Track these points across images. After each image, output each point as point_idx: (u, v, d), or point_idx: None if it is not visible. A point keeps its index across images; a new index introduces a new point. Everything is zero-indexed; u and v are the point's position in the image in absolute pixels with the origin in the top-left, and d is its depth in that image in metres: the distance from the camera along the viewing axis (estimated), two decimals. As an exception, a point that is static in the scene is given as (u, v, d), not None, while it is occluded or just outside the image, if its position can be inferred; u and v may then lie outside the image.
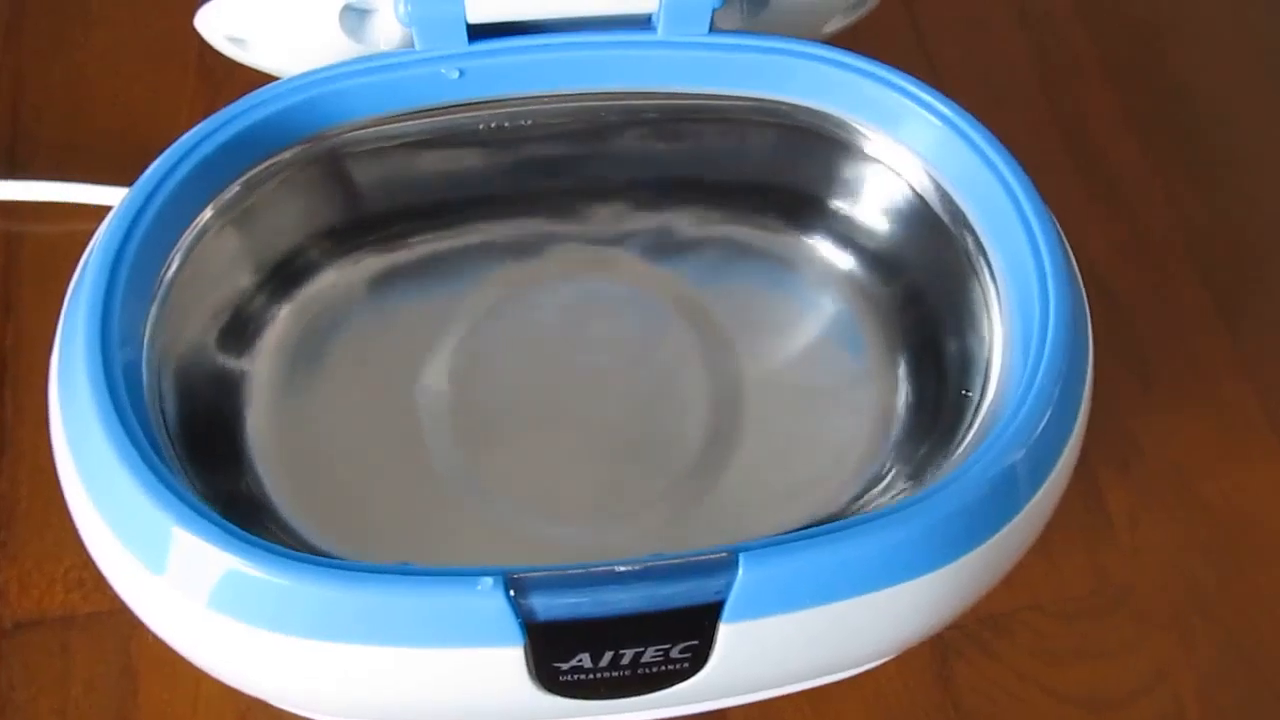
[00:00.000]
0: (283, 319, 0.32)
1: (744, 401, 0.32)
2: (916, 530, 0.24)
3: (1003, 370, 0.28)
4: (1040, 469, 0.26)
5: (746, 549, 0.23)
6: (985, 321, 0.29)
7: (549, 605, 0.23)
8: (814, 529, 0.24)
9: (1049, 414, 0.26)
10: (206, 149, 0.28)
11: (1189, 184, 0.43)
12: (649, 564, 0.23)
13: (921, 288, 0.32)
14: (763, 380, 0.32)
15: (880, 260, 0.33)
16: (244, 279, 0.31)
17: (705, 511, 0.30)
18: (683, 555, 0.23)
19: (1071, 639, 0.34)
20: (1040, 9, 0.46)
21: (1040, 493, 0.26)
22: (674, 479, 0.31)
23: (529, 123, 0.32)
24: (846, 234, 0.34)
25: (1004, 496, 0.25)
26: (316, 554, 0.27)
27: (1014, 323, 0.28)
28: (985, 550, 0.25)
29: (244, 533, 0.23)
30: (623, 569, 0.23)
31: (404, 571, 0.23)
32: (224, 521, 0.23)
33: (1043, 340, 0.27)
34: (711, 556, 0.23)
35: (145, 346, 0.27)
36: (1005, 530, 0.25)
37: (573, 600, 0.23)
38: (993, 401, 0.28)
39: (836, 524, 0.24)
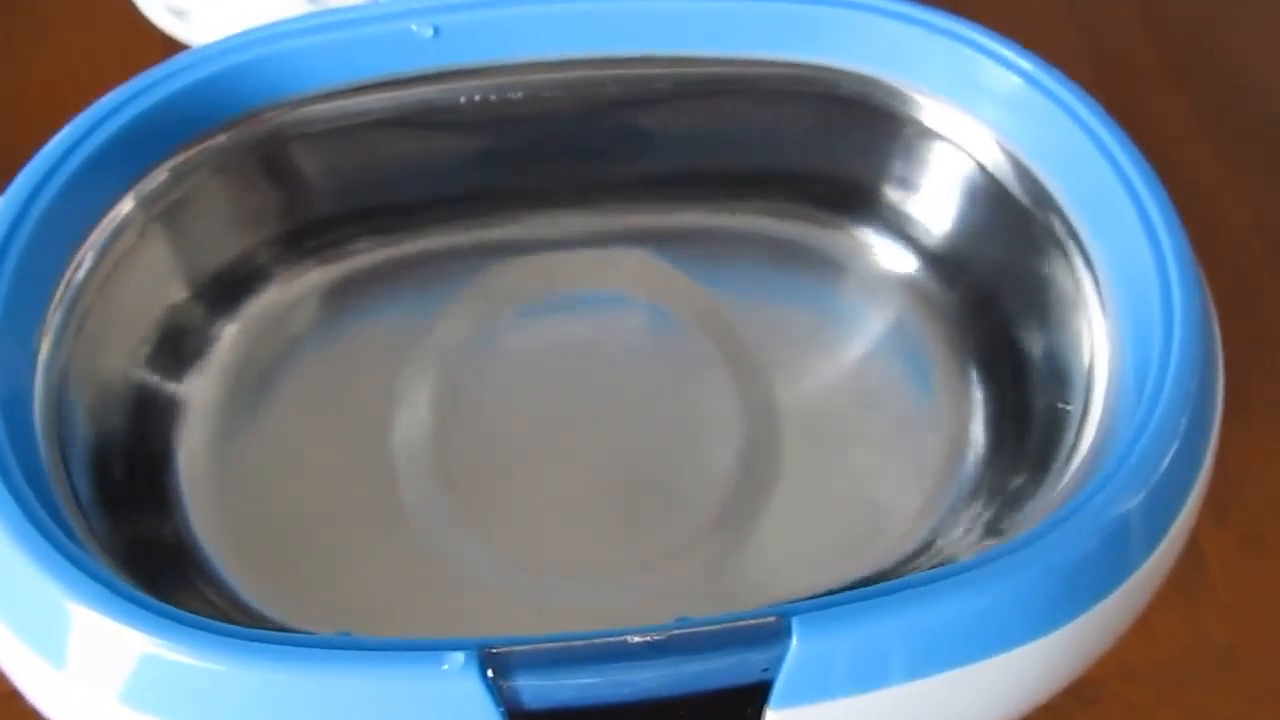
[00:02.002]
0: (226, 336, 0.30)
1: (781, 433, 0.29)
2: (1013, 590, 0.21)
3: (1111, 382, 0.25)
4: (1161, 517, 0.23)
5: (800, 611, 0.20)
6: (1082, 321, 0.26)
7: (539, 689, 0.20)
8: (884, 586, 0.21)
9: (1175, 448, 0.23)
10: (118, 122, 0.26)
11: (1264, 182, 0.41)
12: (673, 632, 0.20)
13: (996, 286, 0.29)
14: (803, 406, 0.29)
15: (944, 256, 0.30)
16: (177, 287, 0.29)
17: (738, 566, 0.27)
18: (717, 620, 0.20)
19: (1169, 710, 0.31)
20: (1091, 1, 0.45)
21: (1161, 547, 0.23)
22: (699, 528, 0.28)
23: (519, 96, 0.29)
24: (902, 227, 0.31)
25: (1117, 551, 0.22)
26: (253, 617, 0.25)
27: (1123, 323, 0.25)
28: (1093, 617, 0.22)
29: (158, 604, 0.21)
30: (638, 639, 0.20)
31: (350, 646, 0.20)
32: (133, 591, 0.21)
33: (1166, 349, 0.23)
34: (755, 622, 0.20)
35: (43, 361, 0.25)
36: (1118, 593, 0.22)
37: (571, 681, 0.20)
38: (1100, 423, 0.24)
39: (911, 579, 0.21)
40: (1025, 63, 0.27)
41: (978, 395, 0.29)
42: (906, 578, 0.21)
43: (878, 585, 0.21)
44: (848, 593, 0.21)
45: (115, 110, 0.26)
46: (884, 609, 0.20)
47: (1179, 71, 0.43)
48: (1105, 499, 0.22)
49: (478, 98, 0.29)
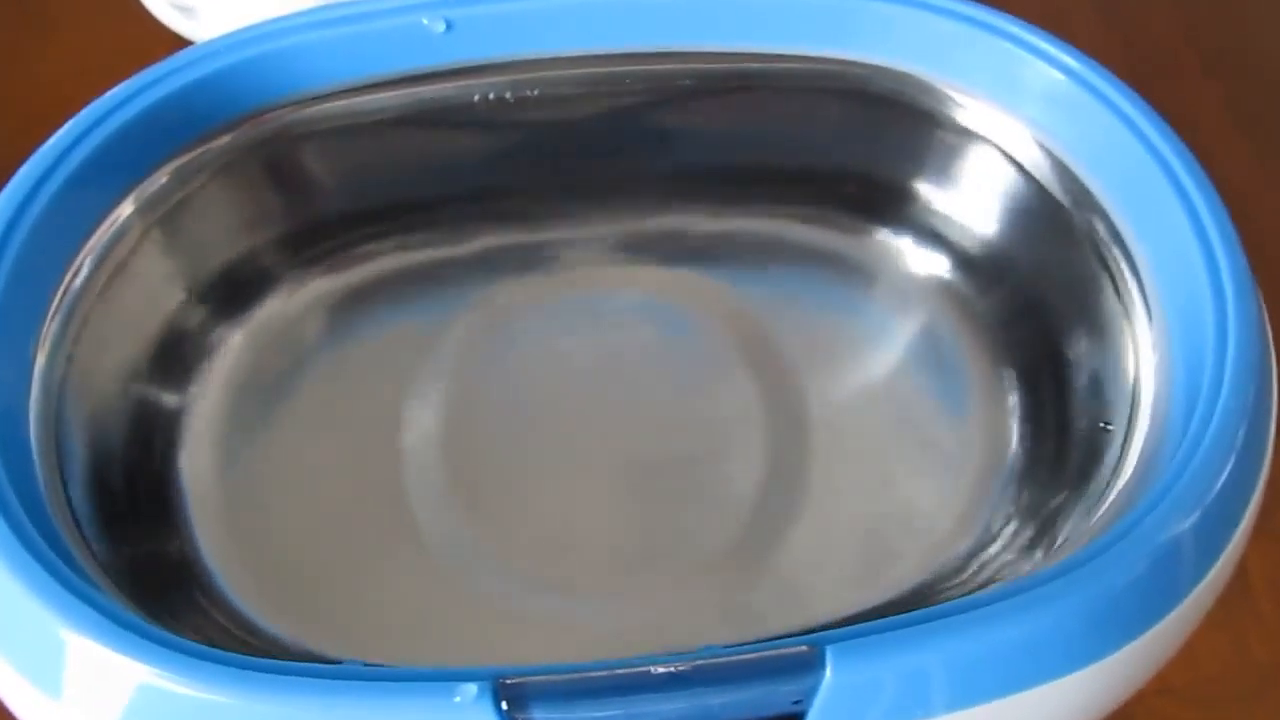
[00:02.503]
0: (230, 346, 0.29)
1: (809, 445, 0.28)
2: (1058, 618, 0.20)
3: (1159, 394, 0.24)
4: (1215, 539, 0.22)
5: (834, 639, 0.19)
6: (1126, 332, 0.26)
7: (558, 722, 0.19)
8: (922, 613, 0.20)
9: (1230, 465, 0.21)
10: (117, 122, 0.25)
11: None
12: (697, 662, 0.19)
13: (1035, 293, 0.28)
14: (832, 418, 0.28)
15: (980, 261, 0.30)
16: (179, 295, 0.28)
17: (765, 584, 0.26)
18: (746, 649, 0.20)
19: (1208, 729, 0.30)
20: (1124, -1, 0.45)
21: (1214, 571, 0.22)
22: (723, 544, 0.27)
23: (535, 94, 0.29)
24: (936, 230, 0.30)
25: (1169, 576, 0.21)
26: (261, 638, 0.25)
27: (1171, 331, 0.24)
28: (1141, 645, 0.21)
29: (157, 631, 0.20)
30: (661, 670, 0.19)
31: (358, 676, 0.19)
32: (130, 618, 0.20)
33: (1220, 359, 0.22)
34: (786, 651, 0.19)
35: (39, 372, 0.24)
36: (1168, 620, 0.21)
37: (590, 714, 0.19)
38: (1147, 437, 0.23)
39: (951, 606, 0.20)
40: (1069, 58, 0.26)
41: (1015, 407, 0.28)
42: (946, 604, 0.20)
43: (916, 612, 0.20)
44: (885, 620, 0.20)
45: (114, 110, 0.25)
46: (923, 637, 0.19)
47: (1213, 66, 0.42)
48: (1156, 520, 0.21)
49: (492, 95, 0.29)
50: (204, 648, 0.20)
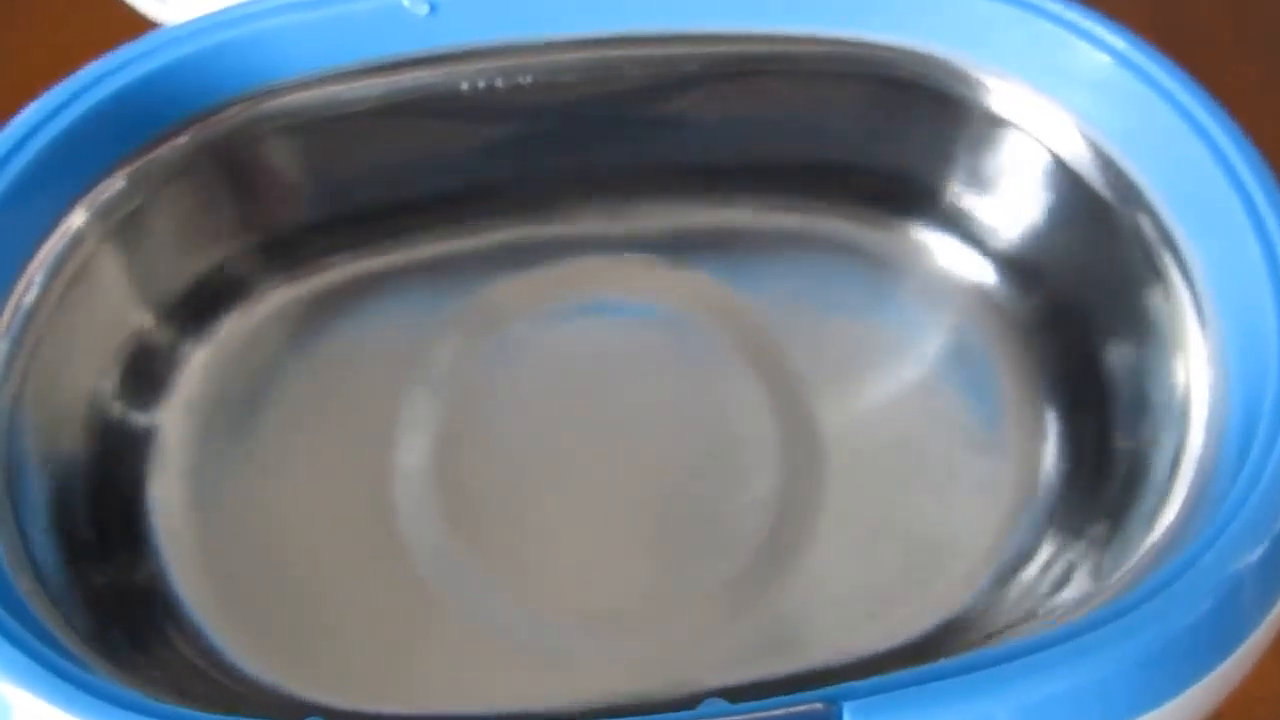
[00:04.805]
0: (199, 360, 0.28)
1: (825, 463, 0.27)
2: (1110, 667, 0.19)
3: (1213, 412, 0.23)
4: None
5: (853, 694, 0.18)
6: (1176, 342, 0.25)
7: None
8: (952, 664, 0.19)
9: None
10: (68, 119, 0.24)
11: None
12: None
13: (1074, 297, 0.28)
14: (850, 432, 0.28)
15: (1014, 262, 0.29)
16: (142, 308, 0.27)
17: (776, 616, 0.25)
18: (751, 708, 0.18)
19: (1260, 762, 0.29)
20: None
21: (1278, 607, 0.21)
22: (731, 570, 0.26)
23: (528, 81, 0.28)
24: (966, 227, 0.29)
25: (1231, 614, 0.20)
26: (235, 677, 0.24)
27: (1228, 343, 0.23)
28: (1195, 694, 0.20)
29: (107, 686, 0.19)
30: None
31: None
32: (82, 674, 0.19)
33: None
34: (797, 709, 0.18)
35: None
36: (1225, 665, 0.20)
37: None
38: (1201, 460, 0.22)
39: (986, 655, 0.19)
40: (1116, 39, 0.25)
41: (1051, 423, 0.27)
42: (981, 653, 0.19)
43: (945, 662, 0.19)
44: (910, 671, 0.18)
45: (63, 106, 0.24)
46: (953, 694, 0.18)
47: (1249, 40, 0.41)
48: (1219, 554, 0.20)
49: (480, 83, 0.28)
50: (160, 705, 0.19)
